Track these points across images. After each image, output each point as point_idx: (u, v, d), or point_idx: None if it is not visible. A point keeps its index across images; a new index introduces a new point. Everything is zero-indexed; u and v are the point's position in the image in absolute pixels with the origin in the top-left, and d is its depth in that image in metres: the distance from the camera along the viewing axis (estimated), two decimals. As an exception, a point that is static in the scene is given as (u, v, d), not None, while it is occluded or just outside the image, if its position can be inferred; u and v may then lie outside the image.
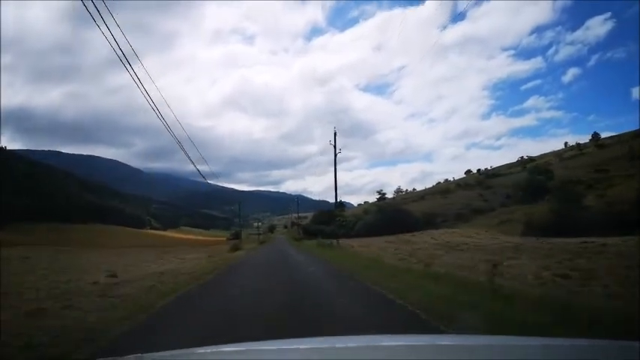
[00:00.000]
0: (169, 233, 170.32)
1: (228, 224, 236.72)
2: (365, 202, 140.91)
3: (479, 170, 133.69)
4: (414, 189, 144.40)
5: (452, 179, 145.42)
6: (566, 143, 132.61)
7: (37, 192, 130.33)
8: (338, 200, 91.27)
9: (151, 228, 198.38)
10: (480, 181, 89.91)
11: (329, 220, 74.62)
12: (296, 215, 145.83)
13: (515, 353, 1.61)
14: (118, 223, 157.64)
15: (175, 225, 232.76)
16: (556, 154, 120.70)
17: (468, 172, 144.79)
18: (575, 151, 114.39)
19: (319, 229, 68.95)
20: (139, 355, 1.74)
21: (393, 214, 59.06)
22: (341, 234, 66.76)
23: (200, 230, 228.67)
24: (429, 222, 57.44)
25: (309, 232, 70.43)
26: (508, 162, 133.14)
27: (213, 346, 1.93)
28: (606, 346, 1.73)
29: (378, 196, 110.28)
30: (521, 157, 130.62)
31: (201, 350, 1.90)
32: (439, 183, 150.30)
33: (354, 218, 73.42)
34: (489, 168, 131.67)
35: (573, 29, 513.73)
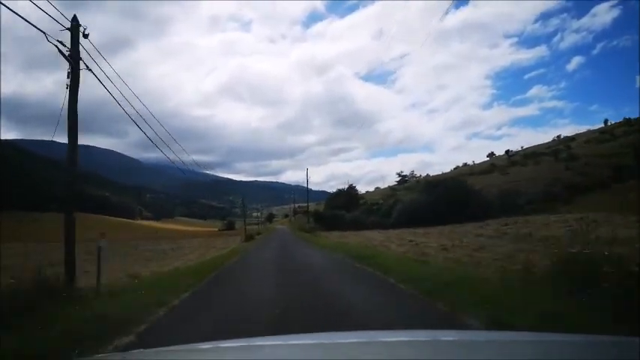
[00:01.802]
0: (155, 224, 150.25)
1: (226, 214, 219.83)
2: (376, 189, 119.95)
3: (507, 152, 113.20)
4: (420, 175, 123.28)
5: (472, 163, 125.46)
6: (606, 121, 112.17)
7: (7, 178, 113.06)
8: (350, 185, 68.91)
9: (142, 218, 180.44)
10: (554, 152, 68.39)
11: (348, 203, 53.87)
12: (296, 205, 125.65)
13: (514, 349, 1.53)
14: (103, 213, 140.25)
15: (170, 215, 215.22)
16: (601, 130, 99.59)
17: (491, 154, 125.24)
18: (626, 127, 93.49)
19: (337, 216, 48.10)
20: (141, 350, 1.71)
21: (452, 194, 38.01)
22: (370, 222, 46.34)
23: (195, 220, 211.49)
24: (507, 205, 36.61)
25: (323, 220, 49.35)
26: (542, 142, 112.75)
27: (213, 342, 1.83)
28: (605, 342, 1.64)
29: (398, 179, 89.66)
30: (558, 137, 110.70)
31: (202, 346, 1.81)
32: (457, 167, 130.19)
33: (381, 201, 52.31)
34: (521, 148, 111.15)
35: (579, 16, 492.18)
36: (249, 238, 38.52)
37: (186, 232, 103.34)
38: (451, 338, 1.95)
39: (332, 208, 52.38)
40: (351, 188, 61.71)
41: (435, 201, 38.47)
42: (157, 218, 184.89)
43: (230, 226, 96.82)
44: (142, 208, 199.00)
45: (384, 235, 30.92)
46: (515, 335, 2.11)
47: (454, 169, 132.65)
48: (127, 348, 4.28)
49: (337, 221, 45.38)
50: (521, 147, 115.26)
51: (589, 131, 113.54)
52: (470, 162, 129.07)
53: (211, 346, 1.78)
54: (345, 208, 50.19)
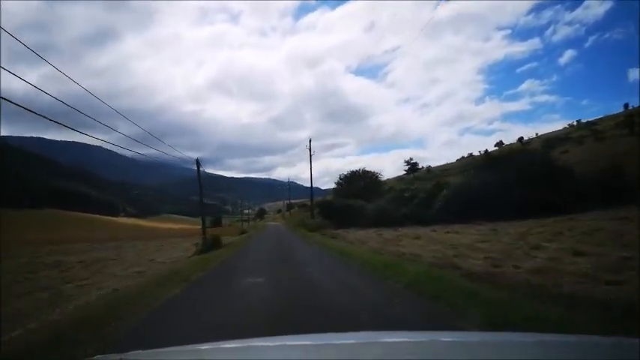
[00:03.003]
0: (138, 221, 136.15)
1: (217, 211, 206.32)
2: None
3: (521, 139, 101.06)
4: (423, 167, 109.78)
5: (478, 153, 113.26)
6: (627, 104, 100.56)
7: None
8: (361, 168, 50.74)
9: (126, 215, 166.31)
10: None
11: (367, 191, 39.70)
12: (289, 201, 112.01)
13: (513, 350, 1.50)
14: (83, 210, 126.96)
15: (157, 212, 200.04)
16: (628, 114, 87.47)
17: (500, 143, 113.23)
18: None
19: (353, 208, 34.07)
20: (139, 351, 1.71)
21: (533, 172, 24.63)
22: (401, 215, 32.82)
23: (184, 217, 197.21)
24: (609, 193, 23.24)
25: (333, 213, 35.38)
26: (556, 129, 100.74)
27: (213, 343, 1.78)
28: (605, 343, 1.60)
29: (407, 168, 76.49)
30: (578, 121, 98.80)
31: (203, 346, 1.75)
32: (462, 157, 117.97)
33: (413, 186, 38.47)
34: (536, 135, 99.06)
35: (573, 8, 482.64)
36: (214, 244, 22.13)
37: (169, 230, 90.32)
38: (451, 339, 1.88)
39: (344, 196, 38.06)
40: (367, 172, 44.70)
41: (503, 184, 25.18)
42: (142, 215, 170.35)
43: (216, 224, 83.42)
44: (126, 205, 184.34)
45: (463, 235, 17.60)
46: (515, 336, 2.01)
47: (458, 159, 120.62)
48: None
49: (354, 215, 31.71)
50: (536, 134, 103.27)
51: (608, 117, 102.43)
52: (469, 155, 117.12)
53: (212, 346, 1.72)
54: (361, 196, 36.34)
